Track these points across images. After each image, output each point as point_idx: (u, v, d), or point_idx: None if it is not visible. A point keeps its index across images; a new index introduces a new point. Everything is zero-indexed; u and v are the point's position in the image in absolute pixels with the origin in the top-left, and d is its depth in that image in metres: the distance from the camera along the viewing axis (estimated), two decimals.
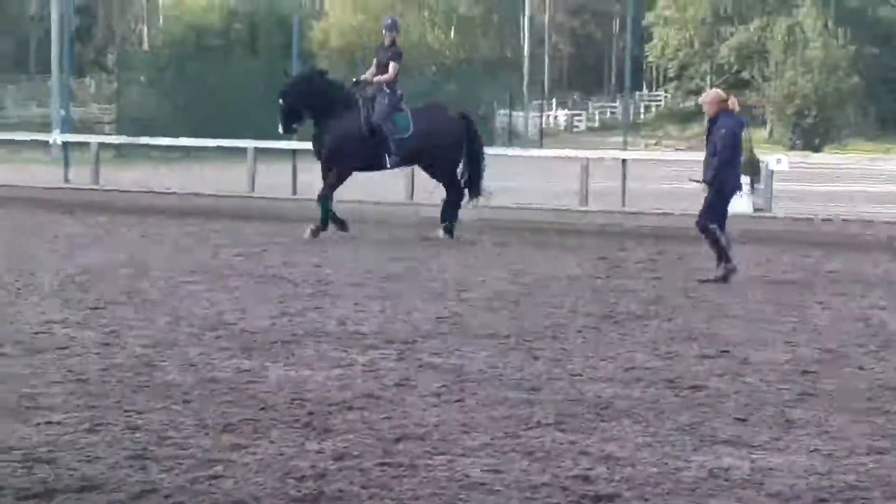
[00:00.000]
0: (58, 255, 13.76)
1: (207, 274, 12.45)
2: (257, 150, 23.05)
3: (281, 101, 16.29)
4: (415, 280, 12.43)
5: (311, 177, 23.11)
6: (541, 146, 48.02)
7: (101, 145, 25.67)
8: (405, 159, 17.10)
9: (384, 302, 10.82)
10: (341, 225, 16.36)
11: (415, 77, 46.22)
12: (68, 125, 29.26)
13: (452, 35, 54.11)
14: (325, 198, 16.30)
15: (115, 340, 8.69)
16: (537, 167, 29.97)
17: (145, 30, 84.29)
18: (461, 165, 16.96)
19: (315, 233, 16.10)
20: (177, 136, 30.79)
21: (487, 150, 18.31)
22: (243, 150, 23.81)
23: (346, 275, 12.62)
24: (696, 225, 12.79)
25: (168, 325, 9.39)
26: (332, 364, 8.08)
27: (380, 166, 17.03)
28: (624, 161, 23.05)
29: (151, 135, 30.55)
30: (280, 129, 16.54)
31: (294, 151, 23.21)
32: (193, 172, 28.23)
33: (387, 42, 16.93)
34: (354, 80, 17.06)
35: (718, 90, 13.73)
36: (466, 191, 17.00)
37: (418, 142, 16.72)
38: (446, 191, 17.04)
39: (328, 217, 16.23)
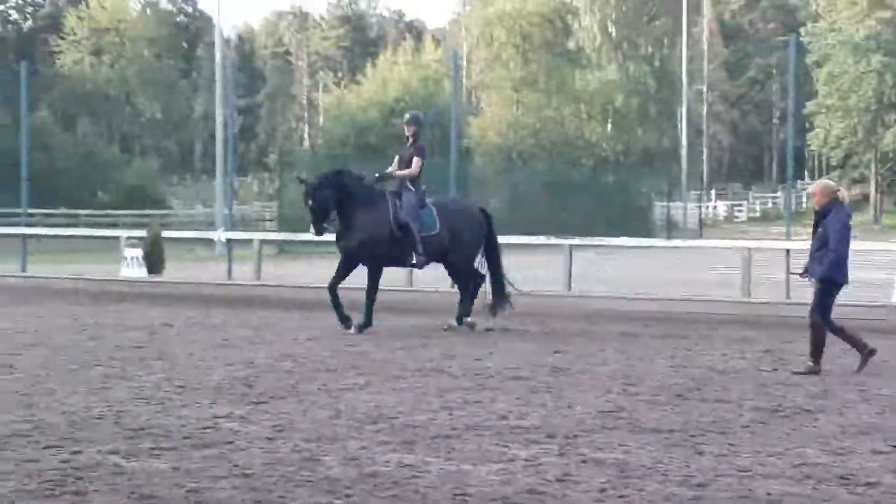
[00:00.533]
0: (222, 351, 13.97)
1: (368, 368, 12.50)
2: None
3: (310, 201, 16.00)
4: (576, 373, 12.29)
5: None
6: (700, 237, 47.56)
7: (264, 242, 26.15)
8: (431, 257, 16.88)
9: (546, 395, 10.71)
10: (345, 321, 16.19)
11: (573, 170, 46.32)
12: (232, 223, 29.96)
13: (609, 128, 54.11)
14: (333, 288, 16.28)
15: (279, 435, 8.74)
16: (698, 258, 29.59)
17: (306, 129, 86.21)
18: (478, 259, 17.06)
19: (361, 328, 16.11)
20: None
21: (647, 241, 18.18)
22: None
23: (506, 367, 12.55)
24: (809, 317, 12.60)
25: (329, 419, 9.41)
26: (493, 459, 7.99)
27: (404, 264, 17.14)
28: (787, 251, 22.58)
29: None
30: (312, 232, 16.25)
31: None
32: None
33: (409, 137, 16.74)
34: (378, 174, 16.82)
35: (828, 182, 13.38)
36: (489, 291, 17.08)
37: (444, 239, 16.70)
38: (464, 285, 17.15)
39: (339, 309, 16.29)
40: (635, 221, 34.55)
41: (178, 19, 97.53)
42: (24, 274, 25.22)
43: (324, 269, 27.72)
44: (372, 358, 13.38)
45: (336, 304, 16.18)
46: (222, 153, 47.19)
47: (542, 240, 22.43)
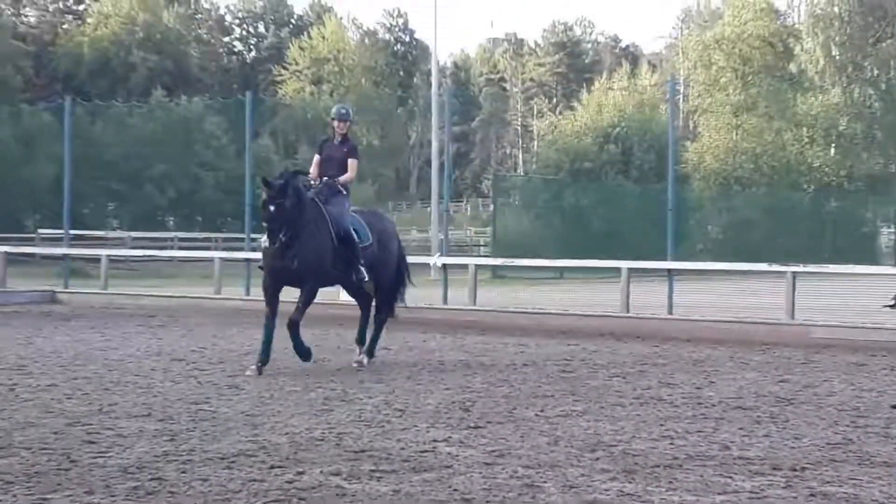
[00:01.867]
0: (439, 375, 14.03)
1: (585, 394, 12.37)
2: (631, 269, 23.01)
3: (272, 208, 13.40)
4: (802, 403, 11.91)
5: (687, 297, 22.94)
6: None
7: (478, 267, 26.27)
8: (370, 271, 14.77)
9: (770, 426, 10.40)
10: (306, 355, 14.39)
11: (794, 195, 45.25)
12: (447, 248, 30.21)
13: (832, 152, 52.74)
14: (296, 325, 14.12)
15: (497, 460, 8.70)
16: None
17: (520, 155, 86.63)
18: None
19: (305, 357, 14.32)
20: (550, 257, 31.24)
21: (873, 269, 17.55)
22: (617, 270, 23.82)
23: (728, 397, 12.26)
24: None
25: (548, 446, 9.32)
26: (716, 490, 7.78)
27: (347, 281, 14.97)
28: None
29: (526, 256, 31.07)
30: (266, 243, 13.60)
31: (669, 271, 23.02)
32: (567, 293, 28.45)
33: (338, 134, 14.72)
34: (294, 171, 14.43)
35: None
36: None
37: (375, 252, 14.89)
38: (380, 306, 15.32)
39: (300, 347, 14.26)
40: (860, 248, 33.51)
41: (395, 48, 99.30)
42: (248, 297, 25.88)
43: (539, 294, 27.83)
44: (589, 385, 13.25)
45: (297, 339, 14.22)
46: (437, 179, 47.75)
47: (763, 266, 21.91)
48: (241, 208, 28.98)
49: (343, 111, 15.02)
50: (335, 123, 14.81)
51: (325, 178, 14.41)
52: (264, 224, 13.45)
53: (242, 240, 29.75)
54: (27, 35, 74.41)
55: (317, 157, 14.80)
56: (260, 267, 14.42)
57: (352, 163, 14.65)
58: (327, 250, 14.09)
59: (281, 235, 13.39)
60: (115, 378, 13.02)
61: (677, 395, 12.45)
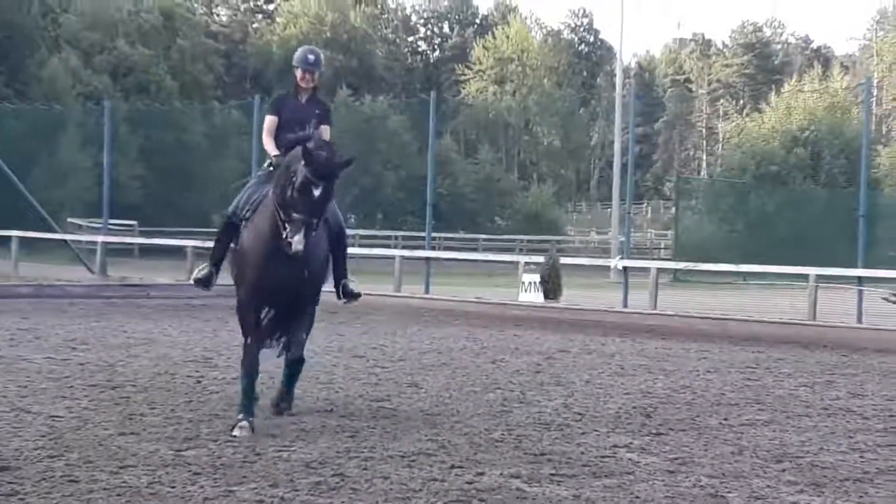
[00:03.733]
0: (619, 379, 13.87)
1: (771, 403, 12.08)
2: (819, 276, 22.44)
3: (317, 193, 9.15)
4: None
5: (877, 306, 22.25)
6: None
7: (660, 270, 25.95)
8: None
9: None
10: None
11: None
12: (627, 251, 29.93)
13: None
14: (301, 363, 10.25)
15: (680, 468, 8.53)
16: None
17: (704, 157, 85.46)
18: None
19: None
20: (733, 261, 30.66)
21: None
22: (804, 277, 23.27)
23: None
24: None
25: (732, 455, 9.11)
26: None
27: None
28: None
29: (708, 260, 30.57)
30: (298, 244, 8.97)
31: (859, 279, 22.38)
32: (752, 299, 27.88)
33: (303, 90, 10.46)
34: (272, 158, 10.25)
35: None
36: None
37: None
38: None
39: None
40: None
41: (579, 48, 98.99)
42: (427, 296, 26.07)
43: (721, 299, 27.35)
44: (774, 393, 12.93)
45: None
46: (619, 181, 47.37)
47: None
48: (422, 207, 29.21)
49: (311, 57, 10.44)
50: (298, 73, 10.47)
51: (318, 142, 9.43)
52: (298, 215, 9.08)
53: (423, 238, 29.97)
54: (219, 34, 76.35)
55: (271, 119, 10.42)
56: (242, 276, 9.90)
57: (326, 130, 10.27)
58: (328, 255, 10.14)
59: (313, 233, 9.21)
60: None
61: (867, 406, 12.07)
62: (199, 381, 12.30)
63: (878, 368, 15.82)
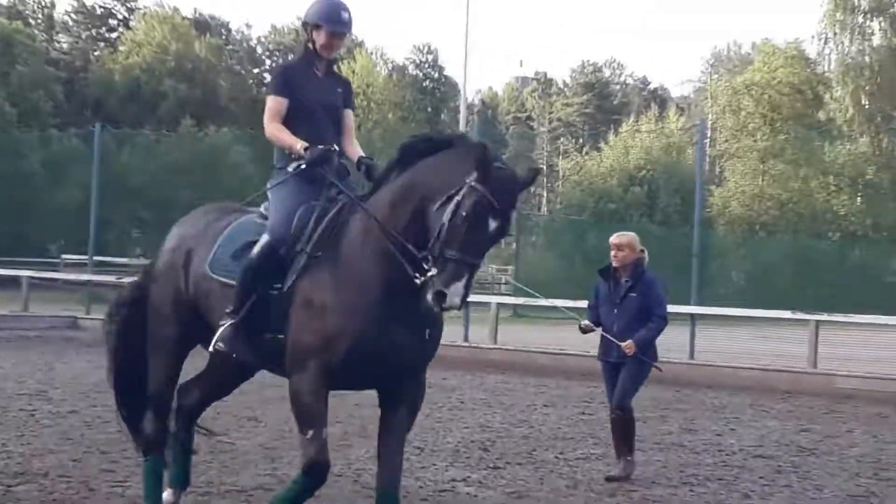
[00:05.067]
0: (459, 413, 13.98)
1: (605, 438, 12.28)
2: None
3: (495, 224, 6.41)
4: (824, 454, 11.82)
5: (709, 342, 22.83)
6: None
7: (500, 305, 26.19)
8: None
9: (792, 476, 10.32)
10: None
11: (819, 243, 45.08)
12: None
13: (859, 201, 52.55)
14: None
15: (517, 502, 8.65)
16: None
17: (545, 194, 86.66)
18: None
19: None
20: (573, 297, 31.13)
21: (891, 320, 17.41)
22: None
23: (749, 444, 12.18)
24: (617, 408, 10.10)
25: (567, 489, 9.28)
26: None
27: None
28: None
29: (548, 296, 31.02)
30: (456, 297, 6.26)
31: (692, 316, 22.91)
32: (588, 335, 28.32)
33: (326, 57, 7.47)
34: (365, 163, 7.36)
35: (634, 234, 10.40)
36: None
37: None
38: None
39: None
40: (885, 298, 33.30)
41: (423, 84, 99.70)
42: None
43: (560, 334, 27.73)
44: (608, 428, 13.13)
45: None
46: None
47: (786, 314, 21.80)
48: None
49: (345, 15, 7.38)
50: (322, 36, 7.37)
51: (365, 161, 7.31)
52: (458, 254, 6.25)
53: None
54: (59, 61, 74.97)
55: (279, 101, 7.36)
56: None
57: (350, 118, 7.73)
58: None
59: None
60: None
61: (698, 441, 12.38)
62: (32, 415, 12.05)
63: (708, 404, 16.23)
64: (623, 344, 9.92)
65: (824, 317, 20.82)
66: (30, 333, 23.35)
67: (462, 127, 52.40)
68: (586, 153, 70.00)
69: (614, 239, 10.26)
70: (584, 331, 10.34)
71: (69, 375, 16.08)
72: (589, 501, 8.81)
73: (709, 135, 50.53)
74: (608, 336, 10.09)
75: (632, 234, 10.46)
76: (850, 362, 20.39)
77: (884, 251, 42.04)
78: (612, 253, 10.18)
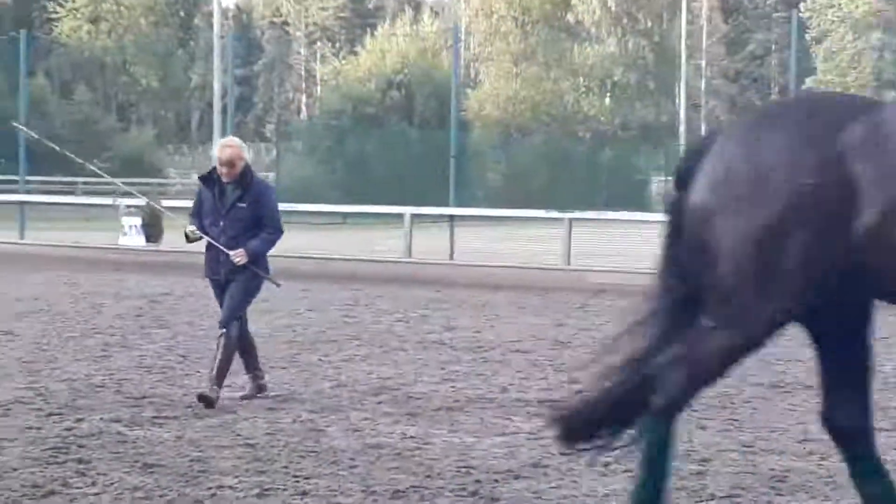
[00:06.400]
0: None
1: (369, 339, 12.48)
2: (414, 216, 23.20)
3: None
4: (578, 346, 12.26)
5: (469, 242, 23.28)
6: None
7: None
8: None
9: (547, 369, 10.70)
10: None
11: (571, 143, 46.19)
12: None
13: (608, 102, 54.02)
14: None
15: (281, 405, 8.73)
16: None
17: (303, 99, 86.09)
18: None
19: None
20: (333, 202, 31.22)
21: (645, 216, 18.03)
22: (399, 216, 23.99)
23: (507, 340, 12.53)
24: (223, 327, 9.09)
25: (332, 390, 9.40)
26: (496, 432, 7.99)
27: None
28: None
29: (309, 202, 30.96)
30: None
31: (451, 217, 23.30)
32: (351, 238, 28.50)
33: None
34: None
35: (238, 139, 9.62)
36: None
37: None
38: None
39: None
40: (633, 196, 34.51)
41: None
42: (22, 241, 25.15)
43: (322, 239, 27.85)
44: (372, 329, 13.36)
45: None
46: (220, 123, 47.02)
47: (540, 213, 22.39)
48: (13, 150, 28.02)
49: None
50: None
51: None
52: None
53: (17, 182, 28.80)
54: None
55: None
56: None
57: None
58: None
59: None
60: None
61: (458, 339, 12.67)
62: None
63: (468, 302, 16.58)
64: (232, 253, 8.92)
65: (577, 214, 21.45)
66: None
67: (216, 31, 51.34)
68: (343, 58, 69.76)
69: (219, 152, 9.12)
70: (190, 238, 9.21)
71: None
72: (353, 402, 8.94)
73: (463, 38, 50.99)
74: (216, 243, 9.01)
75: (237, 142, 9.26)
76: (602, 258, 21.12)
77: (632, 149, 43.47)
78: (220, 167, 8.99)
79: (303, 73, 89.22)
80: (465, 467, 6.97)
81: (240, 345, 9.09)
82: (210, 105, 60.69)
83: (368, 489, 6.41)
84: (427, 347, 12.00)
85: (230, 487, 6.35)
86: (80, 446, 7.22)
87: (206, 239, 9.09)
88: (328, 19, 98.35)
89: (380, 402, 8.93)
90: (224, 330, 8.98)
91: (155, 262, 22.41)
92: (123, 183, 10.76)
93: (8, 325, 12.75)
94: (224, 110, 40.67)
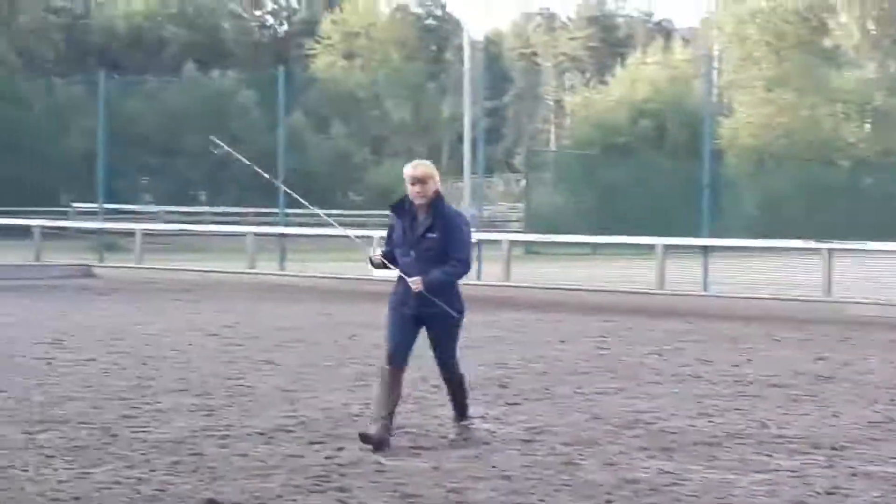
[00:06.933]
0: (474, 351, 13.99)
1: (622, 371, 12.33)
2: (666, 246, 22.88)
3: None
4: (841, 381, 11.83)
5: (722, 274, 22.83)
6: None
7: (512, 243, 26.17)
8: None
9: (808, 404, 10.34)
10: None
11: (829, 171, 44.91)
12: (479, 224, 30.15)
13: (868, 128, 52.32)
14: None
15: (536, 437, 8.68)
16: None
17: (553, 130, 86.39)
18: None
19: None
20: (583, 233, 31.12)
21: None
22: (651, 247, 23.71)
23: (765, 374, 12.19)
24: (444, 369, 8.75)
25: (586, 423, 9.30)
26: (756, 469, 7.74)
27: None
28: None
29: (559, 232, 31.00)
30: None
31: (705, 248, 22.90)
32: (601, 269, 28.35)
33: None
34: None
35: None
36: None
37: None
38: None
39: None
40: None
41: (426, 22, 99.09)
42: (281, 272, 25.93)
43: (572, 270, 27.78)
44: (625, 362, 13.20)
45: None
46: (469, 154, 47.62)
47: (798, 243, 21.77)
48: (272, 183, 28.95)
49: None
50: None
51: None
52: None
53: (275, 214, 29.77)
54: (60, 9, 74.62)
55: None
56: None
57: None
58: None
59: None
60: (151, 353, 13.06)
61: (714, 372, 12.40)
62: (50, 363, 12.09)
63: (723, 335, 16.24)
64: (410, 280, 8.29)
65: (836, 244, 20.78)
66: (43, 283, 23.39)
67: (466, 65, 52.04)
68: (593, 87, 69.70)
69: (412, 170, 8.60)
70: (376, 265, 8.68)
71: (85, 323, 16.13)
72: (608, 434, 8.82)
73: (715, 65, 50.25)
74: (394, 268, 8.48)
75: (428, 162, 8.72)
76: (863, 290, 20.40)
77: (894, 177, 41.88)
78: (412, 187, 8.51)
79: (552, 103, 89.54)
80: None
81: (450, 387, 8.74)
82: (460, 137, 61.53)
83: None
84: (682, 381, 11.77)
85: None
86: (341, 475, 7.32)
87: (392, 267, 8.55)
88: (577, 49, 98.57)
89: (635, 436, 8.78)
90: (447, 376, 8.73)
91: None
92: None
93: (268, 355, 13.11)
94: (474, 142, 41.16)
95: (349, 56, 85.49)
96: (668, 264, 22.62)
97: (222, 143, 11.11)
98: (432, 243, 8.34)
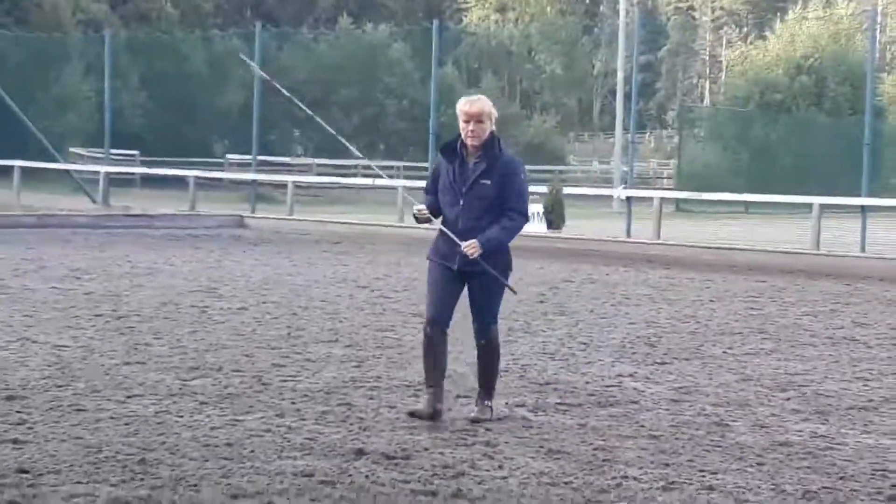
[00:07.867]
0: (623, 308, 13.87)
1: (775, 332, 12.09)
2: (822, 206, 22.36)
3: None
4: None
5: (882, 234, 22.24)
6: None
7: (663, 200, 25.85)
8: None
9: None
10: None
11: None
12: (631, 180, 29.85)
13: None
14: None
15: (685, 397, 8.56)
16: None
17: (707, 85, 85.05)
18: None
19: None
20: (736, 191, 30.61)
21: None
22: (807, 206, 23.20)
23: None
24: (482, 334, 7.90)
25: (737, 384, 9.14)
26: None
27: None
28: None
29: (711, 189, 30.55)
30: None
31: (863, 208, 22.32)
32: (755, 228, 27.85)
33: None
34: None
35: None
36: None
37: None
38: None
39: None
40: None
41: None
42: (432, 226, 26.03)
43: (724, 228, 27.35)
44: (778, 323, 12.94)
45: None
46: (622, 110, 47.16)
47: None
48: (424, 136, 29.08)
49: None
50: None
51: None
52: None
53: (426, 168, 29.89)
54: None
55: None
56: None
57: None
58: None
59: None
60: (302, 303, 13.21)
61: (871, 335, 12.09)
62: (203, 311, 12.32)
63: (881, 297, 15.82)
64: (464, 244, 7.43)
65: None
66: (198, 232, 23.86)
67: (622, 18, 51.44)
68: (750, 43, 68.32)
69: (467, 106, 7.53)
70: (419, 219, 7.84)
71: (238, 273, 16.40)
72: (759, 396, 8.66)
73: (879, 20, 48.87)
74: (447, 231, 7.56)
75: (485, 99, 7.70)
76: None
77: None
78: (466, 126, 7.52)
79: (707, 58, 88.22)
80: (881, 471, 6.60)
81: (483, 358, 7.83)
82: (612, 92, 60.98)
83: (777, 487, 6.17)
84: (837, 343, 11.50)
85: (635, 479, 6.25)
86: (487, 430, 7.31)
87: (435, 222, 7.78)
88: (736, 3, 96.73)
89: (788, 399, 8.60)
90: (483, 341, 7.82)
91: (556, 249, 22.65)
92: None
93: (418, 308, 13.13)
94: (627, 97, 40.74)
95: (502, 9, 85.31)
96: (825, 224, 22.12)
97: (252, 63, 10.61)
98: (485, 191, 7.46)
